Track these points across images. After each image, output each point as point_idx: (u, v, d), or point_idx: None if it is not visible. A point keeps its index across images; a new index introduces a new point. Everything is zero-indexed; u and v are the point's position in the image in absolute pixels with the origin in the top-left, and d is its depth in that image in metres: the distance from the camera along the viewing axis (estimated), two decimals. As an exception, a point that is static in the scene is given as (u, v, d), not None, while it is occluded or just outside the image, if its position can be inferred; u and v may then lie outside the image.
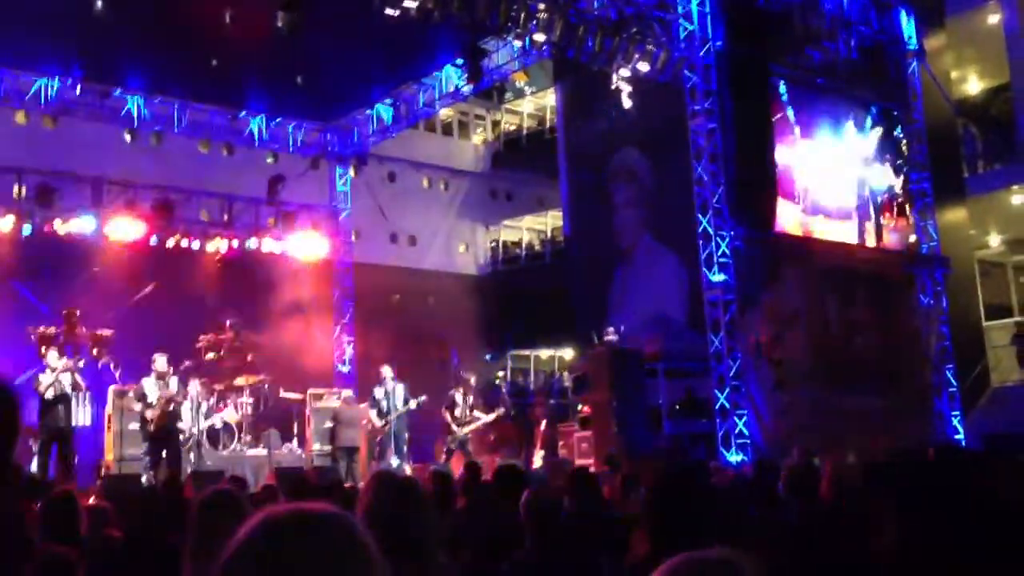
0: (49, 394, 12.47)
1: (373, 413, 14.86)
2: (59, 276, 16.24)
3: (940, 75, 19.34)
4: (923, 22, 18.41)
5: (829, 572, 3.14)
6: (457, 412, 15.05)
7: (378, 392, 14.98)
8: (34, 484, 9.40)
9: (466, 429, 15.11)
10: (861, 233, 16.83)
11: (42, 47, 14.94)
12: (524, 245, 29.15)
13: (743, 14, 14.72)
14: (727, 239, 13.90)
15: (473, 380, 15.63)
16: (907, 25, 17.97)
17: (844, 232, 16.51)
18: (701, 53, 14.27)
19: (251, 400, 15.75)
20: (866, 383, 15.80)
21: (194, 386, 14.05)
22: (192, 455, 13.68)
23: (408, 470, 13.70)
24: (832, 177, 16.52)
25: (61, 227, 16.11)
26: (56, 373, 12.55)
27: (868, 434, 14.30)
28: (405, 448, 14.98)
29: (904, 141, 17.85)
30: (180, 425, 13.32)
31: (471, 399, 15.49)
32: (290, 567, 1.20)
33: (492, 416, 15.90)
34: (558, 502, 4.50)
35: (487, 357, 25.71)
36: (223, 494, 3.34)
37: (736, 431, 13.46)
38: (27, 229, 15.76)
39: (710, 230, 13.90)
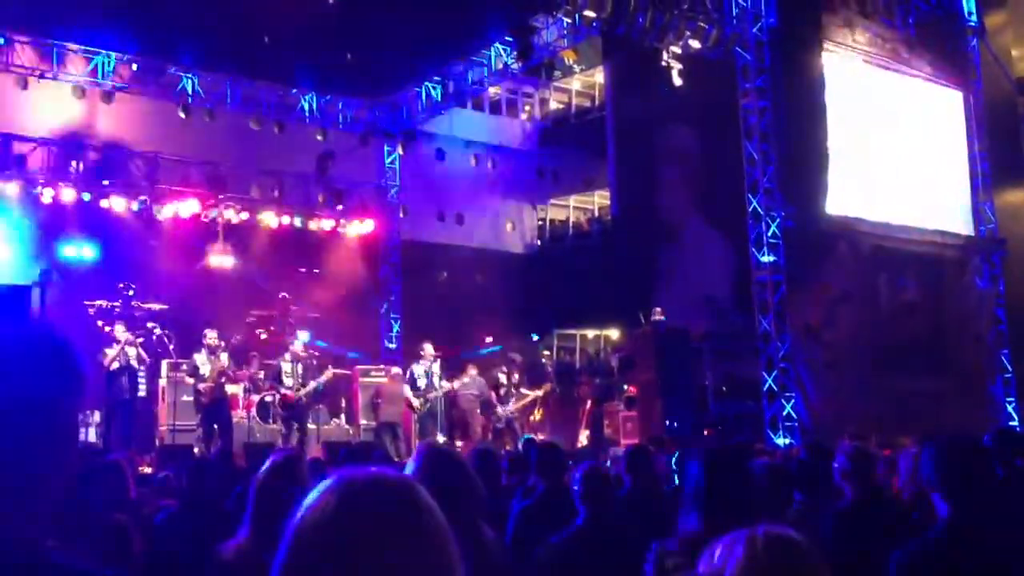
0: (114, 366, 12.76)
1: (407, 389, 14.90)
2: (114, 251, 16.53)
3: (1001, 52, 18.85)
4: (983, -2, 17.97)
5: (883, 557, 3.11)
6: (502, 391, 15.08)
7: (417, 369, 15.00)
8: (90, 452, 9.62)
9: (511, 407, 15.14)
10: (915, 213, 16.52)
11: (99, 24, 15.17)
12: (571, 224, 29.05)
13: (797, -10, 14.49)
14: (777, 219, 13.73)
15: (519, 359, 15.60)
16: (967, 1, 17.51)
17: (897, 212, 16.21)
18: (754, 30, 14.06)
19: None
20: (917, 366, 15.54)
21: (299, 344, 14.15)
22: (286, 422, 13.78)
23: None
24: (886, 156, 16.21)
25: (116, 202, 16.42)
26: (121, 346, 12.83)
27: (919, 418, 14.09)
28: (446, 424, 15.04)
29: (962, 120, 17.45)
30: (285, 390, 13.46)
31: (516, 378, 15.49)
32: (367, 531, 1.19)
33: (538, 394, 15.91)
34: (613, 477, 4.53)
35: (533, 336, 25.72)
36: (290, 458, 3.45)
37: (784, 414, 13.34)
38: (83, 203, 16.09)
39: (760, 210, 13.73)
